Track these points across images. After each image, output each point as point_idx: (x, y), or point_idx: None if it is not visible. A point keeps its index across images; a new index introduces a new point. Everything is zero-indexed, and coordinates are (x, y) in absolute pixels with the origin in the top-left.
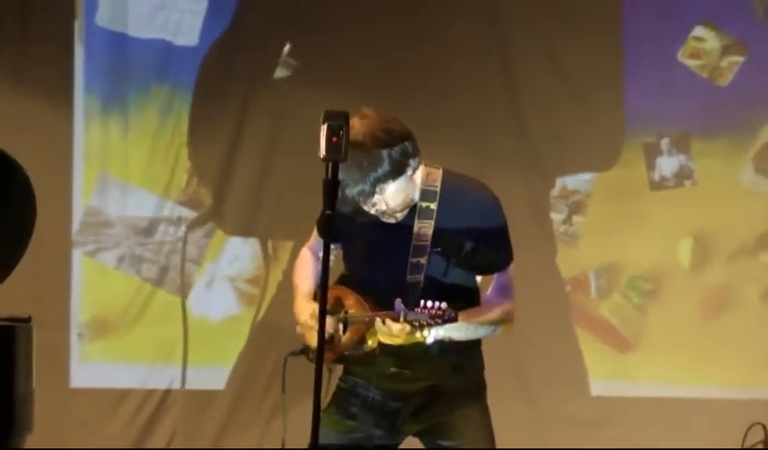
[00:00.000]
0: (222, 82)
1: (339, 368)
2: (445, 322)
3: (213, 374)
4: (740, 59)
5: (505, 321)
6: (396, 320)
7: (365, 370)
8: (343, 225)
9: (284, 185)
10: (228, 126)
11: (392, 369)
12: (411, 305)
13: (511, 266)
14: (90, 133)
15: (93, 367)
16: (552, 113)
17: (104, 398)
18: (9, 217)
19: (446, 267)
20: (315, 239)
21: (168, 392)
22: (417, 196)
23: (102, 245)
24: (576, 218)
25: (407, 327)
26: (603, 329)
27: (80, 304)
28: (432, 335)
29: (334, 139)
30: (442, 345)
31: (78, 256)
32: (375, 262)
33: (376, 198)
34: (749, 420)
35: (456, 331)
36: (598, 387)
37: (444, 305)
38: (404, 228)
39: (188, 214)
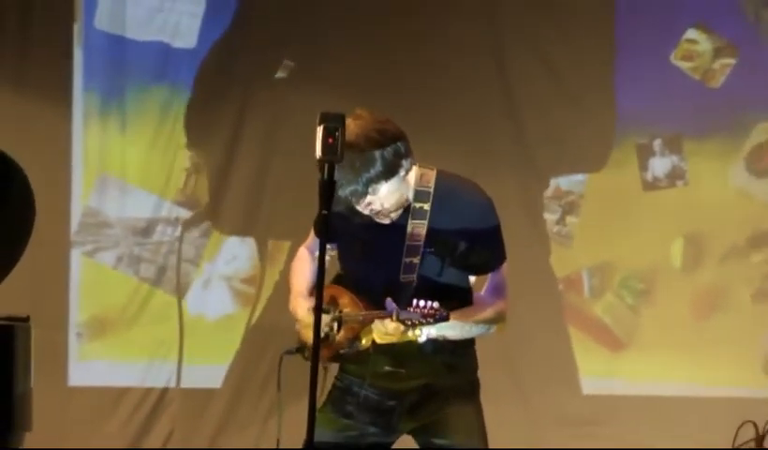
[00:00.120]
0: (221, 83)
1: (334, 367)
2: (437, 321)
3: (209, 372)
4: (732, 61)
5: (498, 320)
6: (388, 319)
7: (360, 369)
8: (338, 225)
9: (281, 185)
10: (225, 127)
11: (387, 368)
12: (404, 304)
13: (505, 266)
14: (89, 135)
15: (91, 366)
16: (546, 116)
17: (102, 397)
18: (9, 218)
19: (440, 267)
20: (312, 239)
21: (165, 390)
22: (411, 196)
23: (101, 245)
24: (569, 219)
25: (401, 326)
26: (596, 328)
27: (78, 303)
28: (424, 334)
29: (330, 140)
30: (436, 344)
31: (76, 256)
32: (369, 261)
33: (370, 198)
34: (740, 419)
35: (450, 330)
36: (590, 386)
37: (436, 304)
38: (398, 228)
39: (186, 214)
